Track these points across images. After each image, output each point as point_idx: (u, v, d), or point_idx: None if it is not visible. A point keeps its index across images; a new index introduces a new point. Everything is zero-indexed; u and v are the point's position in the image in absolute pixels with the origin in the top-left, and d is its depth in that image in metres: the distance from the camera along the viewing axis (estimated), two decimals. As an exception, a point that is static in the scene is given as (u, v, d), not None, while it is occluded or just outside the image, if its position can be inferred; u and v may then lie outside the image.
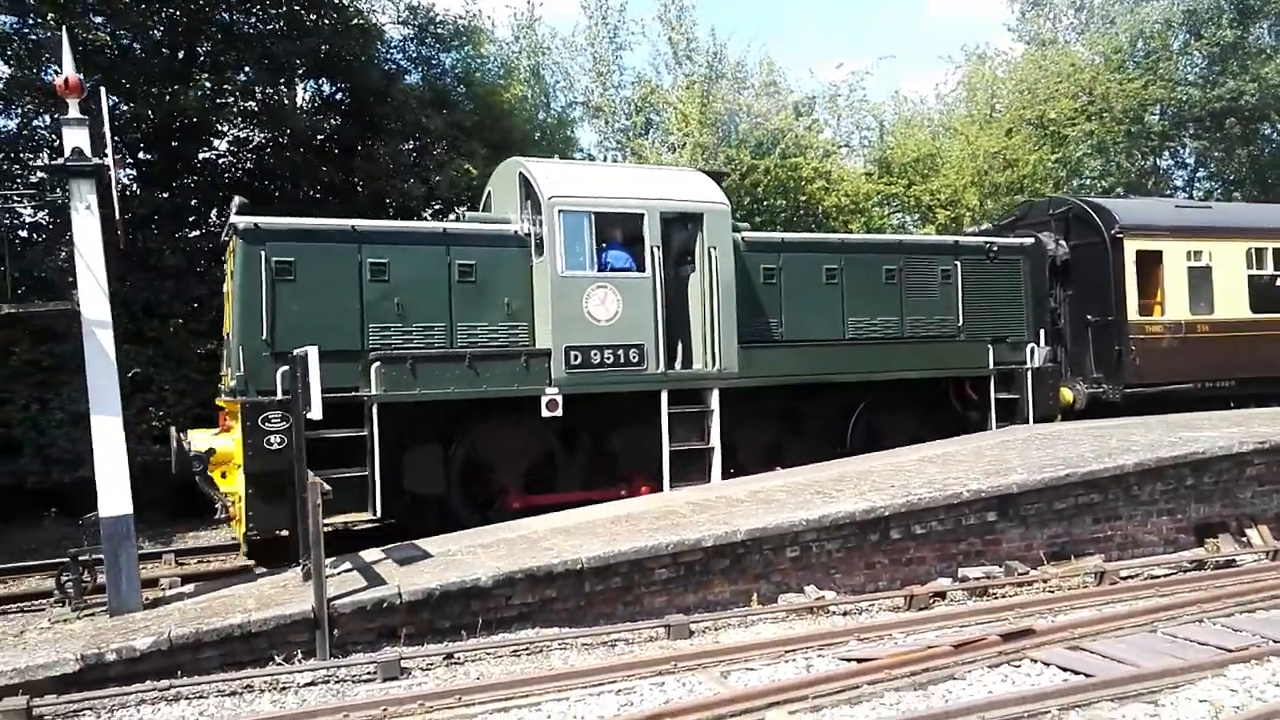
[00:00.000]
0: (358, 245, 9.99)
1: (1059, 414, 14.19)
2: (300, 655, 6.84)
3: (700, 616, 7.69)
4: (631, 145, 24.97)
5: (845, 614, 7.96)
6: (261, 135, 16.83)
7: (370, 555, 8.49)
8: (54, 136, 13.42)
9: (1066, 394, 14.59)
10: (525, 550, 8.08)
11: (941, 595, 8.41)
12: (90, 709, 6.02)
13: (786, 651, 6.82)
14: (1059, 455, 10.12)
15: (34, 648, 6.81)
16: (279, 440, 9.07)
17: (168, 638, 6.53)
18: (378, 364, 9.67)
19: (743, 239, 11.67)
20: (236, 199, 10.04)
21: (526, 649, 7.07)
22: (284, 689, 6.38)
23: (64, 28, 8.33)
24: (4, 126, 15.33)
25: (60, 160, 7.50)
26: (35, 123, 15.26)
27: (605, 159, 25.40)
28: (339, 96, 18.02)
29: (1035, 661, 6.46)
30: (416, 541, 8.83)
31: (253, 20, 16.37)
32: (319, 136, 17.18)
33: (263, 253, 9.54)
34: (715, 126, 24.02)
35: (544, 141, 22.02)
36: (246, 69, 15.70)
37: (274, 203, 15.67)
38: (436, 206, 18.00)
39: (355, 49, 16.73)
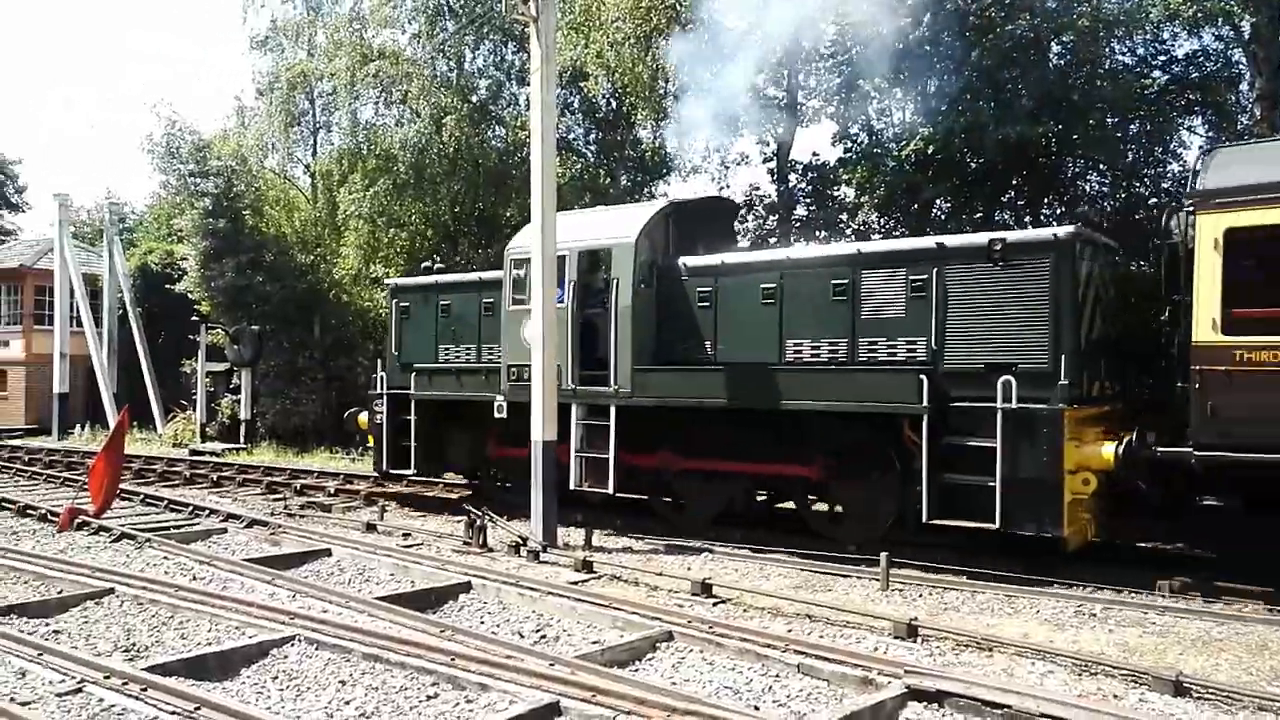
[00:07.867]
0: (437, 293, 15.21)
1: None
2: None
3: None
4: None
5: None
6: None
7: None
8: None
9: (1102, 453, 9.45)
10: None
11: None
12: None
13: None
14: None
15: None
16: (379, 416, 15.03)
17: None
18: (414, 373, 14.70)
19: (684, 264, 12.39)
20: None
21: None
22: None
23: None
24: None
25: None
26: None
27: None
28: None
29: None
30: None
31: None
32: None
33: (396, 301, 15.77)
34: None
35: None
36: None
37: None
38: None
39: None
